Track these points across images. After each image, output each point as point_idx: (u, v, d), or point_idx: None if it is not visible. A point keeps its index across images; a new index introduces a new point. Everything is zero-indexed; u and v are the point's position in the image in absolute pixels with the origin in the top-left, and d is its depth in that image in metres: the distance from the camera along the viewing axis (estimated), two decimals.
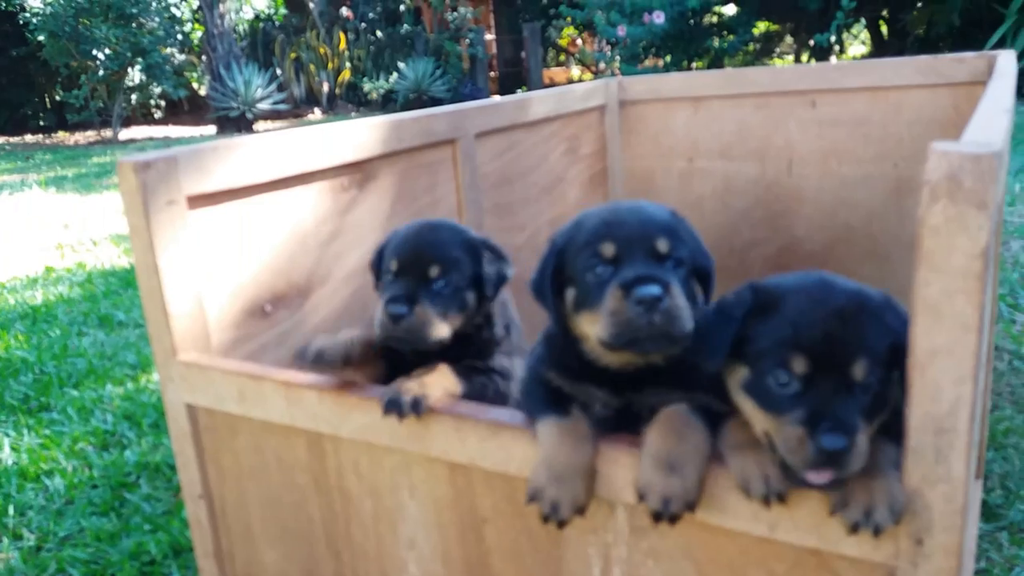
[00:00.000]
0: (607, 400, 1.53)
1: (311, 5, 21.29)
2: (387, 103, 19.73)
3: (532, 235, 3.19)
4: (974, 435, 1.16)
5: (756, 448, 1.28)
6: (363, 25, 21.03)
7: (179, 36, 19.35)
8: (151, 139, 17.87)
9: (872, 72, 3.16)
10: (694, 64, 13.97)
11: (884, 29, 16.39)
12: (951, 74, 2.99)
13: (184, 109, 22.50)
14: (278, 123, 19.23)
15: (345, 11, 20.90)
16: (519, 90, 19.18)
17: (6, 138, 19.92)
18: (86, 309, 5.19)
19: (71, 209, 9.05)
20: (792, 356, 1.24)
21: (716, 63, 14.20)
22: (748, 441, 1.30)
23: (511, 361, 1.92)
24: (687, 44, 13.39)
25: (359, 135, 2.38)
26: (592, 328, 1.46)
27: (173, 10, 18.61)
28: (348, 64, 20.98)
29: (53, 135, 20.47)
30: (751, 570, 1.35)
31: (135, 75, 18.44)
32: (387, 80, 19.79)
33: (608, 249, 1.47)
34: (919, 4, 14.41)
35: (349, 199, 2.39)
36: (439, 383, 1.62)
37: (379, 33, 21.10)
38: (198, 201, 1.92)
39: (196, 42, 20.67)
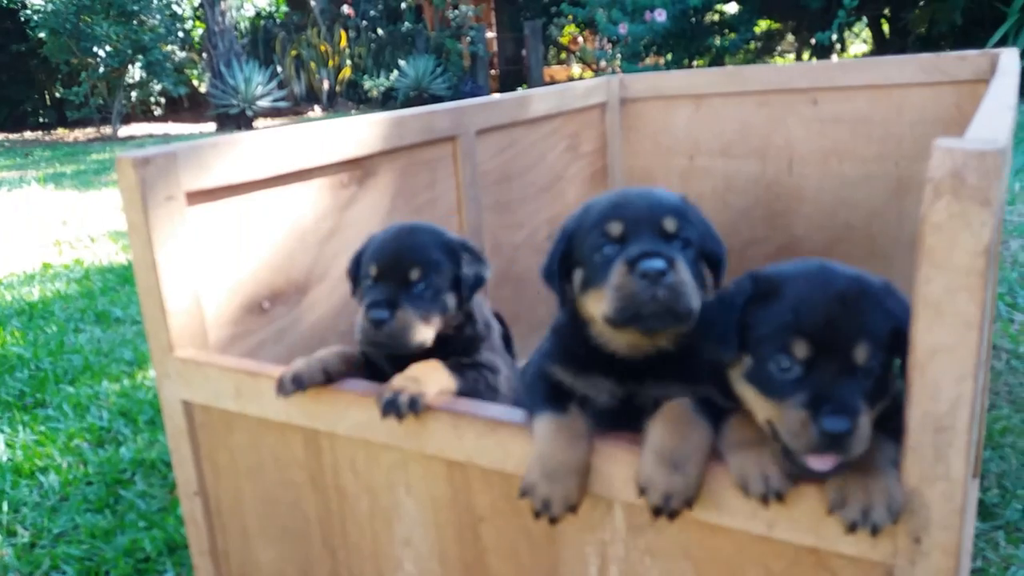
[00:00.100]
0: (613, 390, 1.52)
1: (312, 3, 21.27)
2: (387, 101, 19.71)
3: (531, 233, 3.18)
4: (972, 434, 1.15)
5: (755, 447, 1.28)
6: (364, 23, 21.02)
7: (180, 33, 19.34)
8: (151, 136, 17.85)
9: (874, 70, 3.14)
10: (695, 62, 13.95)
11: (886, 28, 16.36)
12: (954, 72, 2.98)
13: (184, 106, 22.50)
14: (278, 120, 19.19)
15: (346, 8, 20.88)
16: (520, 88, 19.16)
17: (5, 135, 19.91)
18: (83, 305, 5.18)
19: (69, 206, 9.04)
20: (793, 340, 1.24)
21: (717, 61, 14.18)
22: (748, 440, 1.30)
23: (495, 356, 1.92)
24: (688, 42, 13.37)
25: (359, 132, 2.36)
26: (598, 307, 1.46)
27: (174, 7, 18.60)
28: (349, 62, 20.96)
29: (53, 132, 20.45)
30: (748, 568, 1.35)
31: (135, 72, 18.44)
32: (388, 78, 19.78)
33: (615, 228, 1.47)
34: (921, 3, 14.38)
35: (349, 196, 2.38)
36: (434, 379, 1.61)
37: (380, 31, 21.09)
38: (197, 197, 1.91)
39: (197, 39, 20.67)
